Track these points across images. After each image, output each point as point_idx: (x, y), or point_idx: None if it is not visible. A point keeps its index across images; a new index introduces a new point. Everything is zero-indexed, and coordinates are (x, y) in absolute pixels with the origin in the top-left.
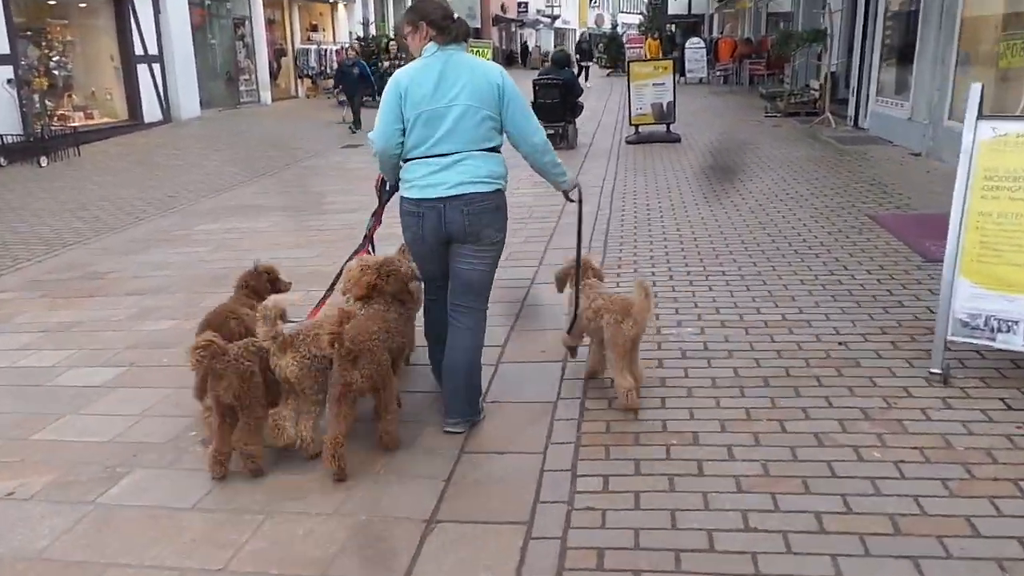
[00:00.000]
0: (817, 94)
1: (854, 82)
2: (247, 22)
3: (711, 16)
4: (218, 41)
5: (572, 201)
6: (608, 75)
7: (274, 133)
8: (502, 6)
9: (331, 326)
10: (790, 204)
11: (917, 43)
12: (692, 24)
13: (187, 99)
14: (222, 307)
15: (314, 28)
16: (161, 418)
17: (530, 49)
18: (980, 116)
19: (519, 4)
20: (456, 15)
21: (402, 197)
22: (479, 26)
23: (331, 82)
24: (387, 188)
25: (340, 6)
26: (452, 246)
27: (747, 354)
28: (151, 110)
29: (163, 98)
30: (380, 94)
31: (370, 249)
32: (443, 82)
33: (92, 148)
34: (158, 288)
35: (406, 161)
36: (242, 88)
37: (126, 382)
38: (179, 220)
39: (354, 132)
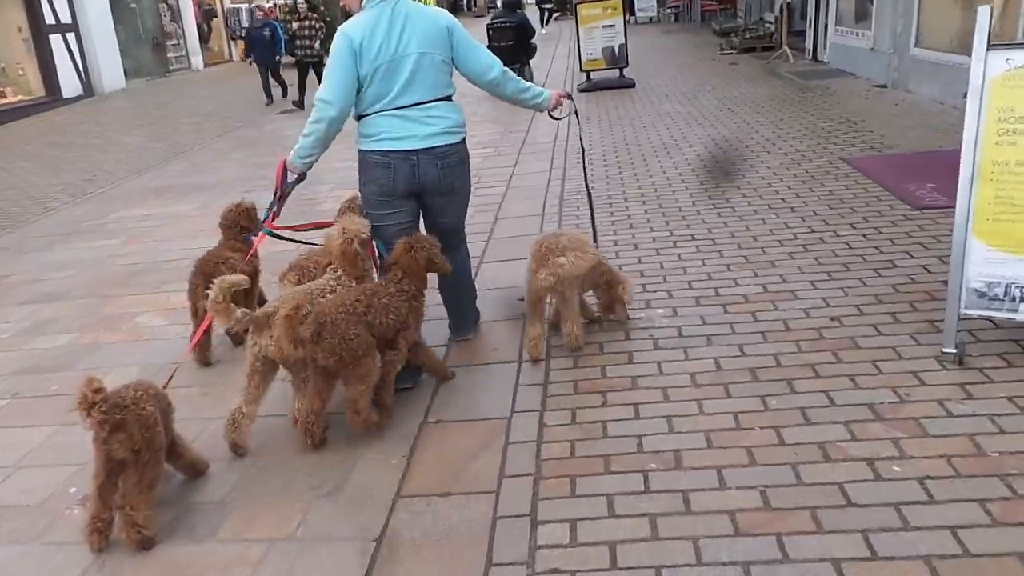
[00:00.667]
0: (772, 28)
1: (811, 13)
2: None
3: None
4: (139, 5)
5: (558, 119)
6: (556, 19)
7: (205, 101)
8: None
9: (287, 309)
10: (757, 150)
11: None
12: None
13: (109, 70)
14: (210, 254)
15: None
16: (39, 469)
17: None
18: (991, 46)
19: None
20: None
21: (365, 151)
22: None
23: None
24: (288, 180)
25: None
26: (424, 198)
27: (728, 339)
28: (70, 84)
29: (82, 70)
30: (291, 56)
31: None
32: (393, 31)
33: (5, 130)
34: (58, 294)
35: (364, 116)
36: (170, 55)
37: (6, 420)
38: (93, 207)
39: (280, 96)
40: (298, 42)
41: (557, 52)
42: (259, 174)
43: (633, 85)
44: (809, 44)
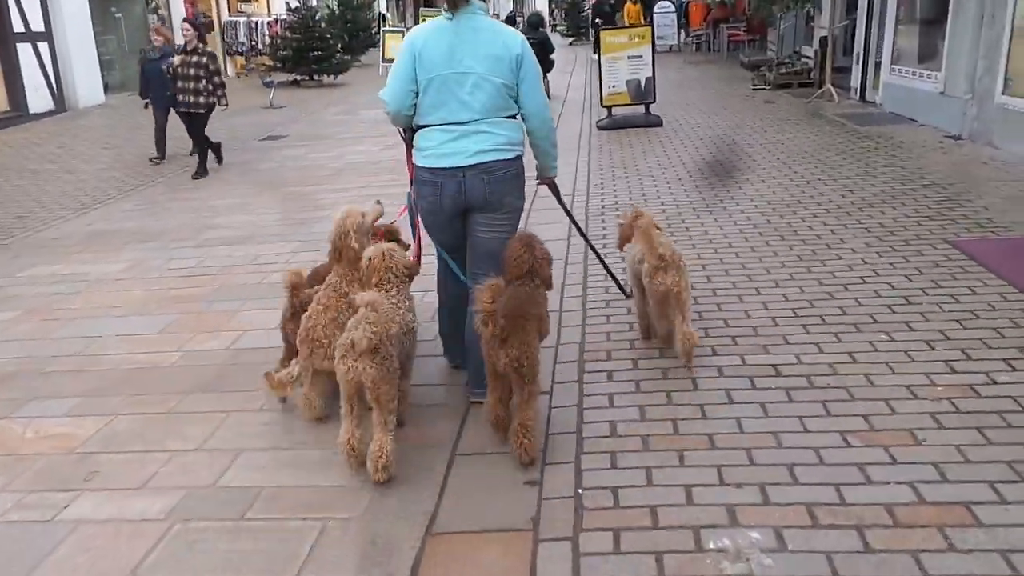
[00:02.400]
0: (812, 63)
1: (860, 48)
2: None
3: None
4: (125, 15)
5: (545, 185)
6: (571, 44)
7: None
8: None
9: (484, 303)
10: (829, 222)
11: (951, 1)
12: None
13: (86, 84)
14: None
15: None
16: None
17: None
18: None
19: None
20: None
21: (417, 166)
22: None
23: (265, 60)
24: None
25: None
26: (471, 215)
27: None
28: (39, 98)
29: (54, 84)
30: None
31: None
32: (459, 47)
33: None
34: None
35: (420, 127)
36: None
37: None
38: (7, 259)
39: (158, 163)
40: (179, 84)
41: (572, 83)
42: (213, 222)
43: (660, 124)
44: (855, 83)
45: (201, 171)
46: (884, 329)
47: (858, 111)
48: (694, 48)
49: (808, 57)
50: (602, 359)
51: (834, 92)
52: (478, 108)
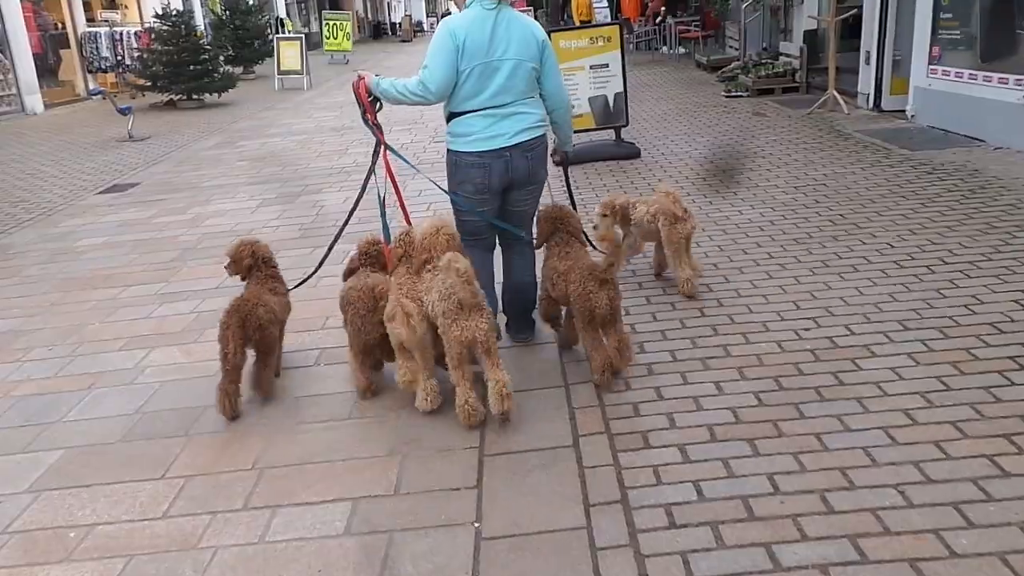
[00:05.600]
0: (797, 63)
1: (872, 44)
2: None
3: None
4: None
5: (557, 163)
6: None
7: (3, 169)
8: None
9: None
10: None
11: None
12: None
13: None
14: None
15: (113, 5)
16: None
17: (400, 20)
18: None
19: None
20: None
21: (459, 152)
22: None
23: (134, 78)
24: (375, 101)
25: None
26: (508, 192)
27: None
28: None
29: None
30: None
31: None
32: (496, 36)
33: None
34: None
35: (459, 114)
36: None
37: None
38: None
39: None
40: None
41: None
42: None
43: (639, 154)
44: (865, 88)
45: None
46: None
47: (885, 126)
48: (632, 48)
49: (789, 55)
50: None
51: (841, 100)
52: (513, 92)
